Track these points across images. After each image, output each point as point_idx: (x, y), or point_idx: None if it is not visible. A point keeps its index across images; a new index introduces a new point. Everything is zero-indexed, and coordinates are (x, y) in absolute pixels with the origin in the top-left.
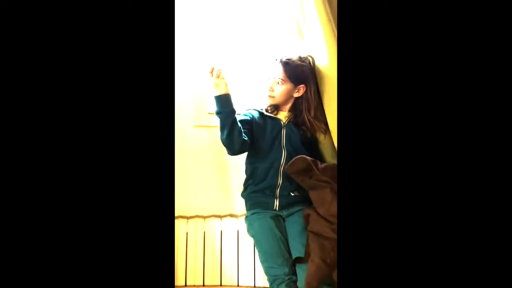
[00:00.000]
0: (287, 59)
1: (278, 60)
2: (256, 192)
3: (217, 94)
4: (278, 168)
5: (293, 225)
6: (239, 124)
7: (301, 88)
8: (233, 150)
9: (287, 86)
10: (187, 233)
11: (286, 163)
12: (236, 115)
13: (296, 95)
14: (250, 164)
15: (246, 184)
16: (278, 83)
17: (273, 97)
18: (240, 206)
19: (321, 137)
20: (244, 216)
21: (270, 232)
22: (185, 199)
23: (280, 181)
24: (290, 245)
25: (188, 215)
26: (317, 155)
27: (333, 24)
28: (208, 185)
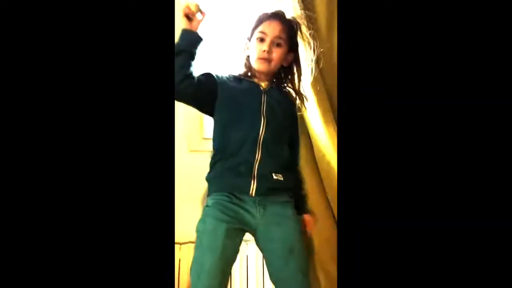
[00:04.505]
0: (283, 15)
1: (270, 14)
2: (228, 170)
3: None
4: (256, 138)
5: (274, 241)
6: (192, 64)
7: (290, 57)
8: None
9: (284, 49)
10: (179, 260)
11: (265, 133)
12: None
13: (284, 64)
14: (220, 133)
15: (214, 160)
16: (276, 44)
17: (270, 61)
18: None
19: (301, 113)
20: (205, 205)
21: (221, 244)
22: (178, 225)
23: (258, 155)
24: (270, 273)
25: (181, 241)
26: (295, 132)
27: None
28: (201, 210)
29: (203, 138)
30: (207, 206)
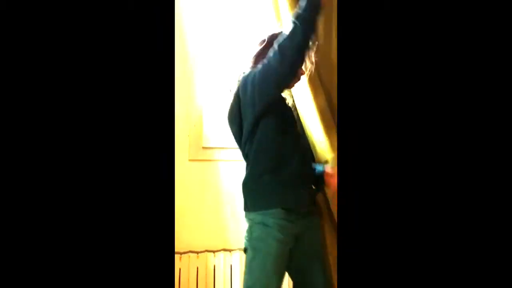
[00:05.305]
0: None
1: None
2: (281, 183)
3: None
4: (300, 151)
5: (303, 245)
6: None
7: None
8: (293, 63)
9: None
10: (180, 270)
11: (303, 145)
12: None
13: None
14: (270, 143)
15: (260, 169)
16: None
17: (299, 79)
18: (233, 240)
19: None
20: (254, 216)
21: (284, 266)
22: (178, 234)
23: (304, 168)
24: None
25: (181, 251)
26: None
27: None
28: (201, 219)
29: (203, 148)
30: (264, 224)
